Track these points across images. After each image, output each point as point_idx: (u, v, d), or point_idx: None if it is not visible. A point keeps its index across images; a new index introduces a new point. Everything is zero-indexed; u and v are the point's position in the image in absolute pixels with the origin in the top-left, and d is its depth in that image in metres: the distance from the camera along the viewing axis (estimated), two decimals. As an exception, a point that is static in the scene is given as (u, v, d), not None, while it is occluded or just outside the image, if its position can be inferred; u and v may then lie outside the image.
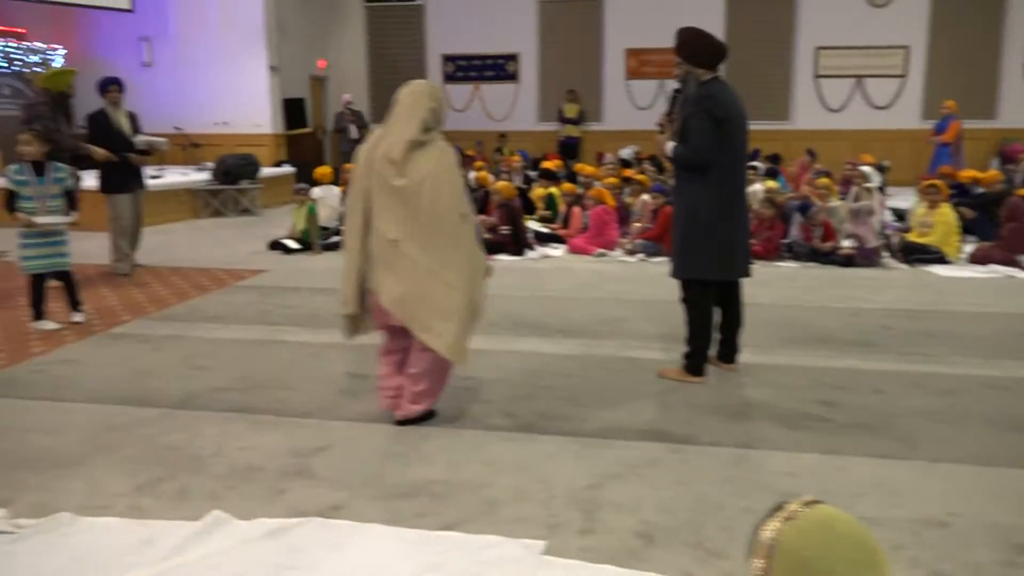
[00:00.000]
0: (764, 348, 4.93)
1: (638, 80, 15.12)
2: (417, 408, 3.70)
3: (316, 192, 8.99)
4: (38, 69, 11.98)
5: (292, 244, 8.38)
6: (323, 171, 9.66)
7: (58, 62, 12.24)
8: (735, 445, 3.52)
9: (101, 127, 7.07)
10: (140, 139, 7.32)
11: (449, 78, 15.97)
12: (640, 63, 15.02)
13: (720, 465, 3.33)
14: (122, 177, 7.19)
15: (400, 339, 3.69)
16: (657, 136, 4.65)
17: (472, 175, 10.71)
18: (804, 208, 7.99)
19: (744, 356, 4.64)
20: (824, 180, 8.41)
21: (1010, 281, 6.89)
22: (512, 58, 15.63)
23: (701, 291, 4.29)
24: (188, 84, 12.75)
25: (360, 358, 4.75)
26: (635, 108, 15.09)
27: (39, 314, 5.41)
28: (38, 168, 5.33)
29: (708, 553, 2.67)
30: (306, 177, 10.54)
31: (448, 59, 15.90)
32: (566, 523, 2.85)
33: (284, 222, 9.29)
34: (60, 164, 5.48)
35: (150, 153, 7.54)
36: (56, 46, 12.43)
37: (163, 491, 3.11)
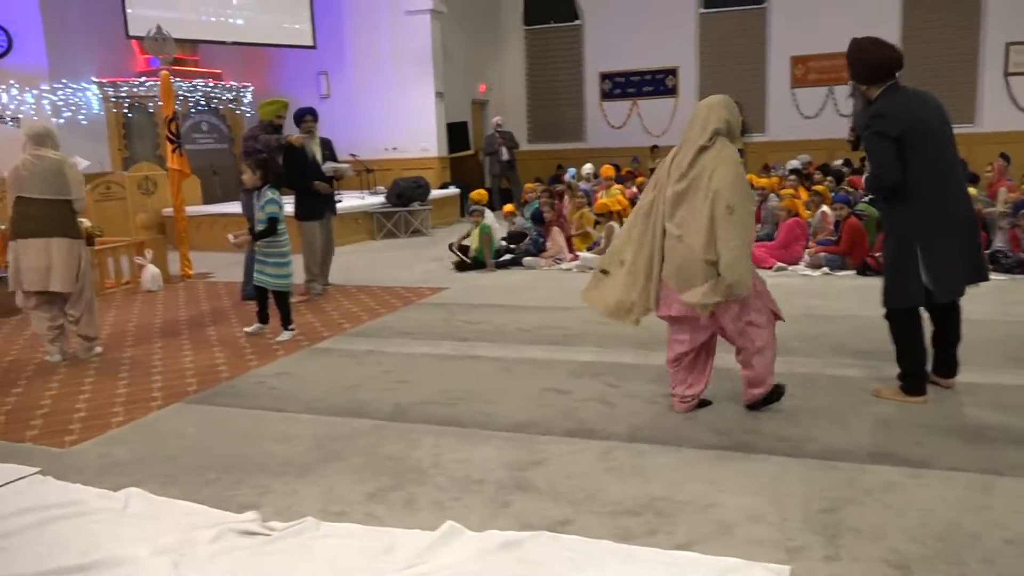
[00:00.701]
0: (987, 367, 4.55)
1: (804, 88, 14.58)
2: (758, 391, 3.93)
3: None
4: (231, 106, 13.03)
5: (466, 256, 8.60)
6: (478, 194, 9.75)
7: (248, 98, 13.26)
8: (979, 471, 3.25)
9: (295, 156, 7.33)
10: (328, 166, 7.58)
11: (606, 96, 16.01)
12: (807, 71, 14.48)
13: (966, 492, 3.07)
14: (314, 204, 7.48)
15: (688, 334, 3.92)
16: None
17: (633, 191, 10.65)
18: (1019, 205, 7.35)
19: (966, 375, 4.30)
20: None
21: None
22: (671, 72, 15.47)
23: (906, 316, 4.01)
24: (361, 113, 13.47)
25: (553, 373, 4.78)
26: (801, 117, 14.56)
27: (259, 319, 6.07)
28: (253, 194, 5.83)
29: (976, 588, 2.46)
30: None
31: (605, 77, 15.95)
32: (807, 547, 2.72)
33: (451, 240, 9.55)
34: (271, 193, 5.87)
35: (338, 179, 7.84)
36: (247, 84, 13.47)
37: (393, 500, 3.22)
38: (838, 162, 12.78)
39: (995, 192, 9.49)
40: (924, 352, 4.08)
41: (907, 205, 3.87)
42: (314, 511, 3.13)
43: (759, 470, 3.34)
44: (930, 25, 13.82)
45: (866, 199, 9.14)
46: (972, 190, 8.52)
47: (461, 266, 8.64)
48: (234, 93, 13.12)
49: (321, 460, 3.65)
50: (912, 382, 4.08)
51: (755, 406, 4.01)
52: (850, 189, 9.65)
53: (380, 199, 11.71)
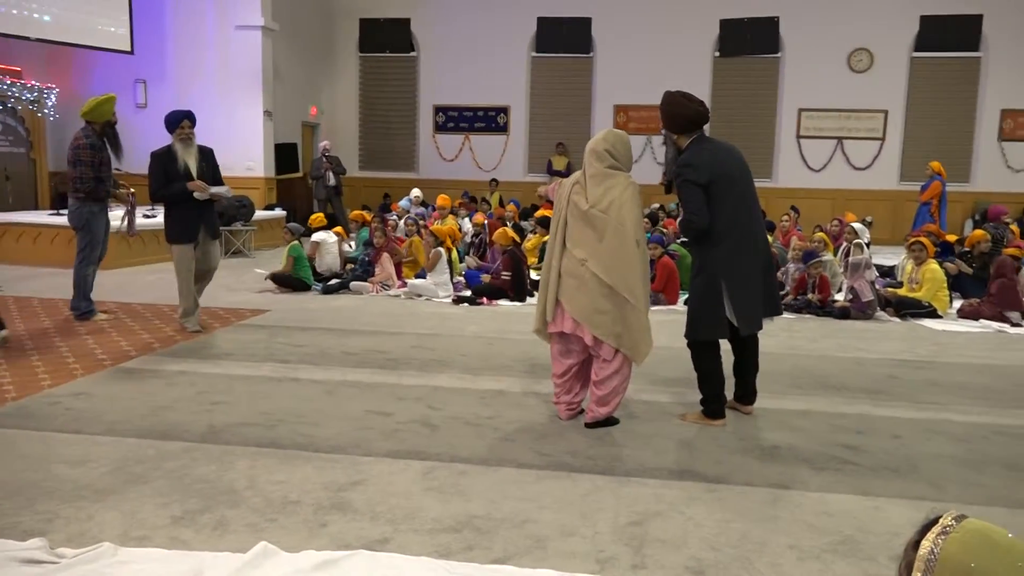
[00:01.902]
0: (779, 393, 5.00)
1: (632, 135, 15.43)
2: (604, 410, 4.21)
3: (317, 236, 9.01)
4: (32, 108, 11.98)
5: (277, 279, 8.39)
6: (315, 218, 9.78)
7: (52, 100, 12.25)
8: (769, 485, 3.55)
9: (160, 164, 6.22)
10: (201, 189, 6.26)
11: (440, 128, 16.21)
12: (627, 119, 15.39)
13: (757, 504, 3.35)
14: (185, 222, 6.25)
15: (574, 352, 4.26)
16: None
17: (468, 225, 10.83)
18: (809, 255, 8.16)
19: (760, 401, 4.70)
20: (821, 235, 8.63)
21: (1002, 335, 7.08)
22: (503, 110, 15.94)
23: (707, 347, 4.36)
24: (182, 126, 12.79)
25: (376, 396, 4.74)
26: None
27: None
28: None
29: (762, 588, 2.68)
30: (297, 221, 10.59)
31: (439, 109, 16.16)
32: (616, 558, 2.85)
33: (276, 264, 9.26)
34: None
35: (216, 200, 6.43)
36: (52, 85, 12.44)
37: (202, 523, 3.05)
38: (655, 206, 13.63)
39: (788, 241, 10.49)
40: (723, 379, 4.43)
41: (714, 246, 4.20)
42: (112, 537, 2.90)
43: (574, 488, 3.47)
44: (736, 89, 15.18)
45: (679, 240, 9.83)
46: (768, 238, 9.42)
47: (283, 286, 8.39)
48: (36, 94, 12.07)
49: (122, 484, 3.39)
50: (712, 407, 4.41)
51: (594, 425, 4.24)
52: (664, 230, 10.31)
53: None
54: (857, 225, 9.03)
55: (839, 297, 7.94)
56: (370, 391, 4.86)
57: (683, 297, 8.20)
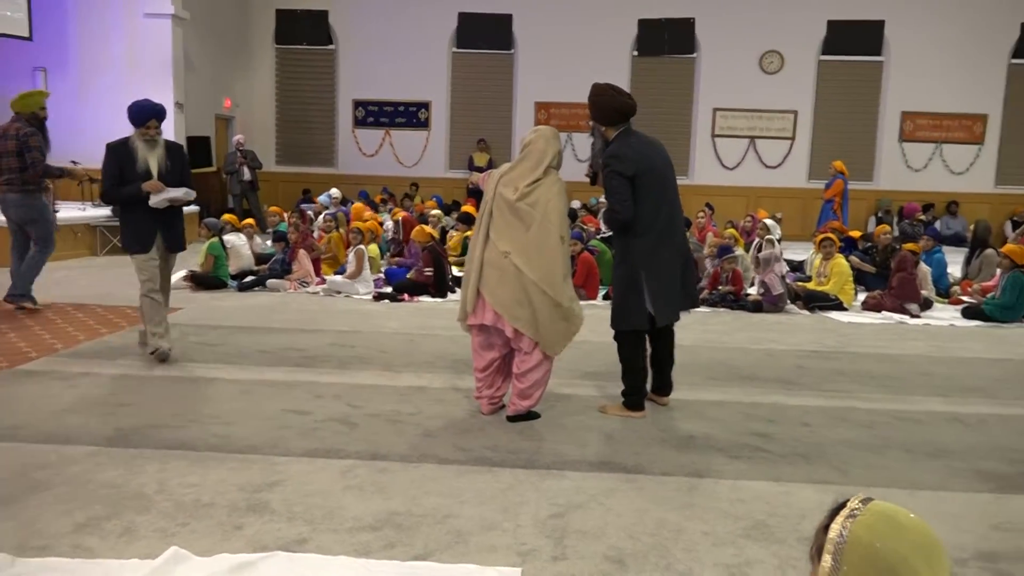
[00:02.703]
0: (695, 385, 5.12)
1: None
2: (526, 403, 4.24)
3: (229, 239, 8.74)
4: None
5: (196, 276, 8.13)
6: (227, 217, 9.51)
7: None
8: (685, 474, 3.64)
9: (115, 161, 5.17)
10: (158, 195, 5.17)
11: (359, 123, 15.98)
12: (549, 116, 15.49)
13: (674, 493, 3.43)
14: (139, 229, 5.22)
15: (495, 347, 4.27)
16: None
17: (389, 222, 10.71)
18: (724, 249, 8.37)
19: (678, 392, 4.82)
20: (731, 231, 8.87)
21: (902, 326, 7.43)
22: (424, 106, 15.82)
23: (633, 338, 4.43)
24: (87, 117, 12.22)
25: (293, 395, 4.64)
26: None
27: None
28: None
29: (679, 575, 2.74)
30: (212, 216, 10.28)
31: (358, 104, 15.92)
32: (537, 550, 2.87)
33: (188, 261, 8.97)
34: None
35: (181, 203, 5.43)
36: (-60, 71, 11.72)
37: (108, 530, 2.93)
38: (575, 203, 13.78)
39: (704, 236, 10.77)
40: (646, 371, 4.51)
41: (635, 238, 4.27)
42: (9, 547, 2.75)
43: (495, 482, 3.47)
44: (654, 88, 15.47)
45: (599, 236, 9.96)
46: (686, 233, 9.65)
47: (200, 285, 8.13)
48: (-76, 81, 11.35)
49: (20, 492, 3.22)
50: (633, 399, 4.48)
51: (516, 419, 4.25)
52: (584, 227, 10.43)
53: (105, 211, 10.67)
54: (769, 221, 9.34)
55: (752, 291, 8.18)
56: (287, 390, 4.76)
57: (602, 292, 8.32)
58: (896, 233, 11.97)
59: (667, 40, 15.28)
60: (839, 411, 4.68)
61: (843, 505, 1.34)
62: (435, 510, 3.16)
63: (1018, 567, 2.86)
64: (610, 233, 10.08)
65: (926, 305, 8.09)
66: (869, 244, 9.93)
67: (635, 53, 15.45)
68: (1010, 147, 15.28)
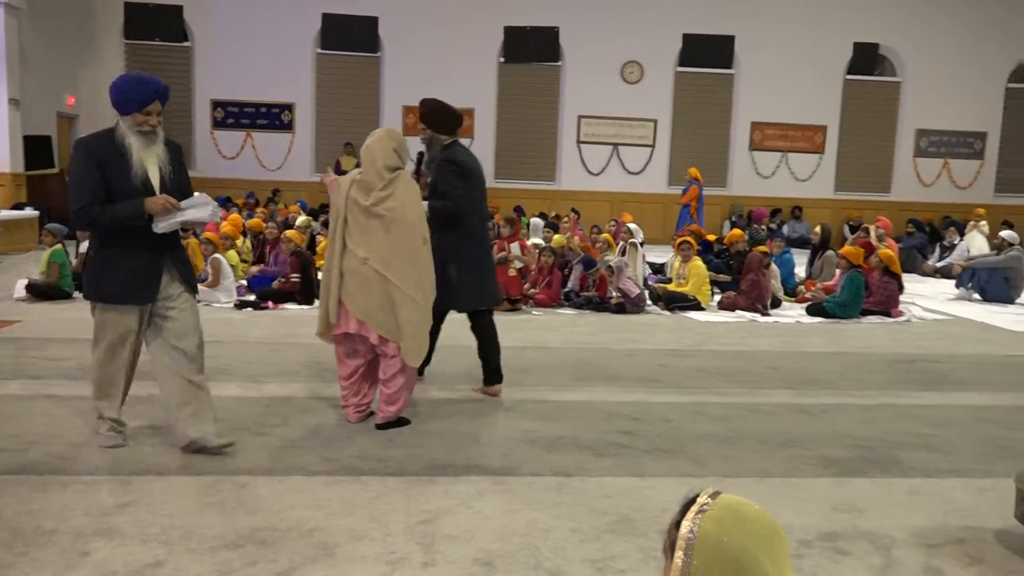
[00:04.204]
0: (562, 386, 5.23)
1: (416, 137, 15.45)
2: (393, 408, 4.20)
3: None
4: None
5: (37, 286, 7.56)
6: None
7: None
8: (553, 474, 3.70)
9: (99, 169, 3.58)
10: (167, 221, 3.64)
11: (218, 124, 15.35)
12: (416, 120, 15.41)
13: (543, 493, 3.48)
14: (129, 270, 3.66)
15: (360, 353, 4.23)
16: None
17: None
18: (588, 262, 8.59)
19: (545, 393, 4.94)
20: (606, 236, 9.15)
21: (754, 324, 7.88)
22: (287, 107, 15.38)
23: (436, 321, 4.57)
24: (-94, 113, 11.14)
25: (148, 410, 4.39)
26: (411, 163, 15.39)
27: None
28: None
29: (547, 573, 2.79)
30: (55, 222, 9.57)
31: (217, 104, 15.29)
32: (406, 558, 2.84)
33: (28, 270, 8.33)
34: None
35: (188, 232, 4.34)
36: None
37: (-68, 565, 2.67)
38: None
39: (586, 241, 11.03)
40: (432, 350, 4.67)
41: (452, 232, 4.65)
42: None
43: (363, 491, 3.41)
44: (521, 95, 15.73)
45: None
46: (559, 237, 9.86)
47: (39, 296, 7.55)
48: None
49: None
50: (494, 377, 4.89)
51: (384, 426, 4.20)
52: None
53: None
54: (632, 225, 9.67)
55: (615, 294, 8.44)
56: (141, 405, 4.48)
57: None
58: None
59: (533, 48, 15.56)
60: (697, 406, 4.90)
61: (694, 500, 1.40)
62: (300, 523, 3.07)
63: (854, 544, 3.09)
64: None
65: (775, 304, 8.62)
66: (723, 247, 10.47)
67: (502, 59, 15.64)
68: (846, 156, 16.54)
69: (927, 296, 9.87)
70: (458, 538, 3.01)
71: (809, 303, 8.65)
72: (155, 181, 3.66)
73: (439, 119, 4.79)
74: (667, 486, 3.61)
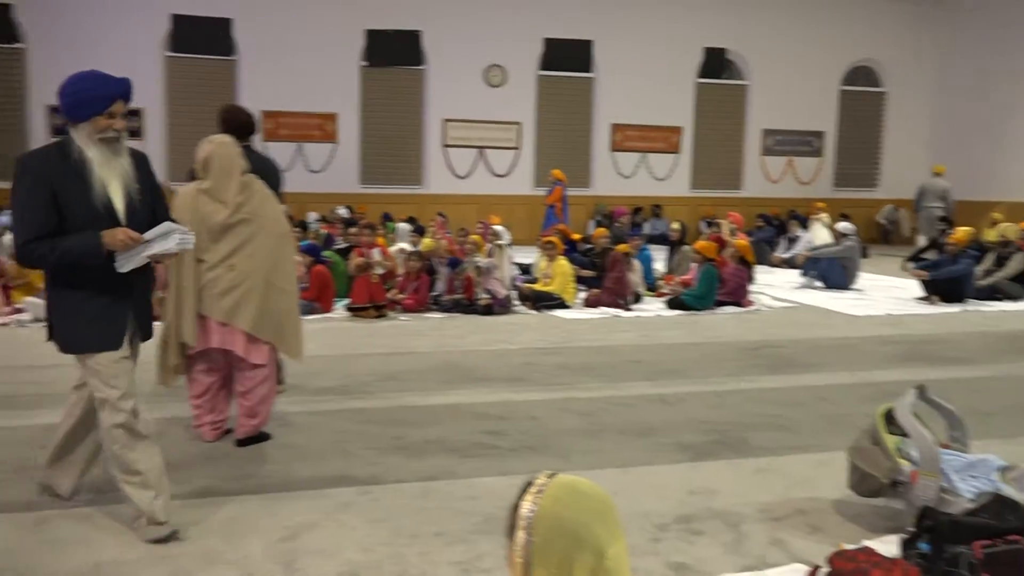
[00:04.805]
0: (429, 390, 5.22)
1: (276, 142, 15.04)
2: (255, 422, 4.07)
3: None
4: None
5: None
6: None
7: None
8: (419, 479, 3.69)
9: (50, 192, 2.91)
10: (144, 250, 2.99)
11: (59, 132, 14.33)
12: (278, 125, 15.01)
13: (409, 499, 3.46)
14: (96, 315, 3.01)
15: (216, 369, 4.08)
16: None
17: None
18: (454, 263, 8.59)
19: (412, 398, 4.92)
20: (475, 237, 9.20)
21: (617, 319, 8.14)
22: (135, 113, 14.56)
23: None
24: None
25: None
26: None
27: None
28: None
29: (412, 579, 2.77)
30: None
31: (55, 110, 14.28)
32: (266, 578, 2.76)
33: None
34: None
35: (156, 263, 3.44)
36: None
37: None
38: (313, 215, 13.47)
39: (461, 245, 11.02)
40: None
41: None
42: None
43: (220, 512, 3.28)
44: (385, 98, 15.58)
45: (335, 247, 9.82)
46: (428, 240, 9.85)
47: None
48: None
49: None
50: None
51: (245, 442, 4.06)
52: (318, 236, 10.23)
53: None
54: (499, 227, 9.77)
55: (483, 296, 8.51)
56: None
57: (339, 304, 8.21)
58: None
59: (395, 51, 15.44)
60: (562, 402, 5.01)
61: (532, 483, 1.47)
62: (151, 551, 2.92)
63: (707, 524, 3.25)
64: (347, 245, 9.99)
65: (637, 299, 8.93)
66: (588, 246, 10.75)
67: (364, 63, 15.43)
68: (700, 156, 17.35)
69: (775, 286, 10.49)
70: (322, 553, 2.95)
71: (668, 297, 9.02)
72: (119, 205, 2.98)
73: (242, 122, 4.60)
74: (532, 483, 3.67)
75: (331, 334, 6.99)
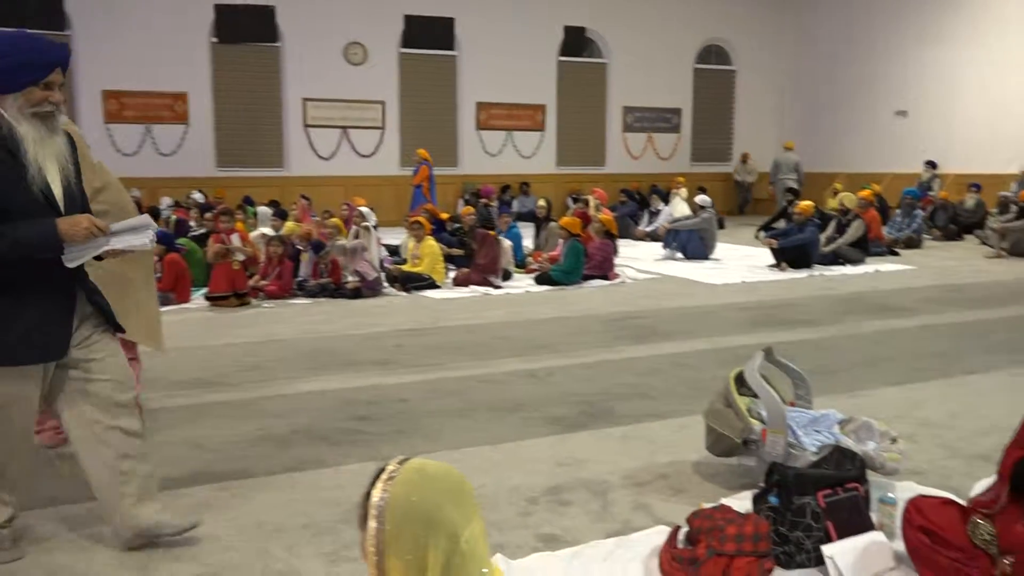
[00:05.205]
0: (295, 378, 5.07)
1: (121, 124, 14.14)
2: None
3: None
4: None
5: None
6: None
7: None
8: (285, 470, 3.58)
9: None
10: (86, 250, 2.61)
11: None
12: (122, 106, 14.09)
13: (276, 492, 3.35)
14: (16, 319, 2.59)
15: None
16: None
17: None
18: (318, 247, 8.36)
19: (278, 387, 4.77)
20: (335, 220, 8.97)
21: (487, 297, 8.18)
22: None
23: None
24: None
25: None
26: (118, 153, 14.01)
27: None
28: None
29: (278, 574, 2.68)
30: None
31: None
32: (118, 587, 2.59)
33: None
34: None
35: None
36: None
37: None
38: (167, 200, 12.77)
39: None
40: None
41: None
42: None
43: (65, 522, 3.05)
44: (238, 77, 14.89)
45: (189, 234, 9.35)
46: (291, 224, 9.52)
47: None
48: None
49: None
50: None
51: None
52: (170, 221, 9.71)
53: None
54: (364, 209, 9.57)
55: (351, 278, 8.33)
56: None
57: (197, 293, 7.84)
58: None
59: (247, 27, 14.77)
60: (433, 383, 4.98)
61: (383, 470, 1.43)
62: (-15, 570, 2.69)
63: (575, 495, 3.31)
64: (203, 231, 9.52)
65: (507, 276, 9.00)
66: (457, 225, 10.73)
67: (214, 40, 14.69)
68: (565, 134, 17.64)
69: (639, 258, 10.84)
70: (180, 557, 2.80)
71: (537, 273, 9.14)
72: (57, 189, 2.60)
73: None
74: (402, 466, 3.63)
75: (189, 325, 6.67)
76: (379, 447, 3.88)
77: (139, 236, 2.64)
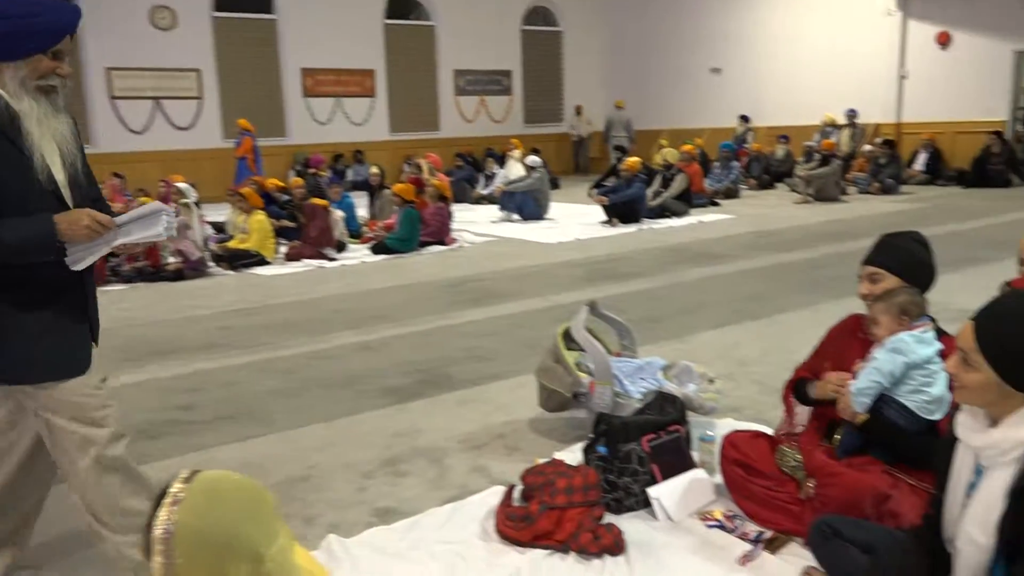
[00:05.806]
0: (110, 371, 4.66)
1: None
2: None
3: None
4: None
5: None
6: None
7: None
8: (95, 472, 3.29)
9: None
10: (94, 249, 2.19)
11: None
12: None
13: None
14: (55, 323, 2.24)
15: None
16: None
17: None
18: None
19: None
20: (144, 200, 8.33)
21: (321, 271, 7.92)
22: None
23: None
24: None
25: None
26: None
27: None
28: None
29: (86, 586, 2.47)
30: None
31: None
32: None
33: None
34: None
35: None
36: None
37: None
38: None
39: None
40: None
41: None
42: None
43: None
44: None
45: None
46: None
47: None
48: None
49: None
50: None
51: None
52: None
53: None
54: (182, 185, 8.97)
55: (172, 260, 7.82)
56: None
57: None
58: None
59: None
60: (262, 363, 4.76)
61: (166, 492, 1.28)
62: None
63: (411, 464, 3.26)
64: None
65: (341, 247, 8.74)
66: (287, 198, 10.28)
67: (-4, 4, 13.17)
68: (396, 99, 17.29)
69: (476, 222, 10.86)
70: (-32, 578, 2.51)
71: (372, 242, 8.94)
72: (60, 177, 2.17)
73: None
74: (227, 452, 3.45)
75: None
76: (205, 435, 3.66)
77: (152, 226, 2.26)
